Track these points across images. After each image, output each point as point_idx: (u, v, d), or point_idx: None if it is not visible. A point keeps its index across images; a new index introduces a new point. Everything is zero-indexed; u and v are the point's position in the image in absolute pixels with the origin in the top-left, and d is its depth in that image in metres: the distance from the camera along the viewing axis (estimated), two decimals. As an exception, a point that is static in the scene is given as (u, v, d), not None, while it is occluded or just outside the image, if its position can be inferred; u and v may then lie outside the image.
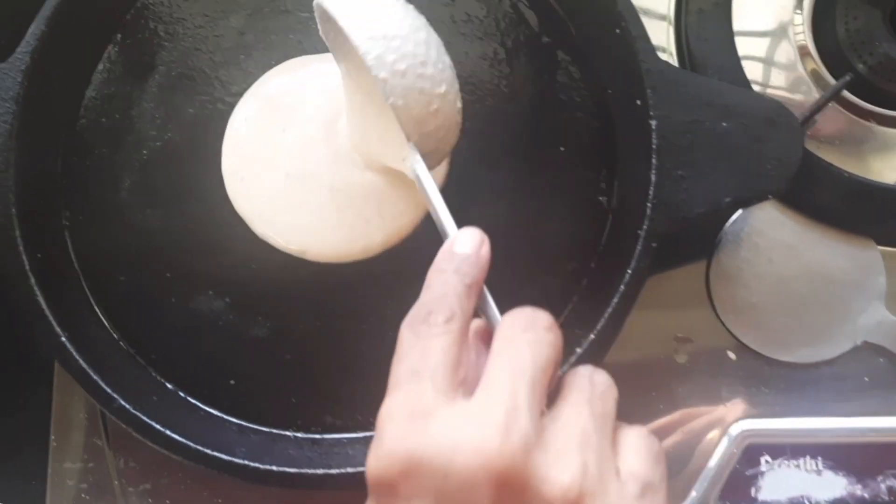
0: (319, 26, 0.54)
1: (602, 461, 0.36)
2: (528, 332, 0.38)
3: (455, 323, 0.38)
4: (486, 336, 0.42)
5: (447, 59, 0.51)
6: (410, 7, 0.51)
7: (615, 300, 0.56)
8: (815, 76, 0.66)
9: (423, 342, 0.38)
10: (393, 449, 0.35)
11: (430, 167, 0.51)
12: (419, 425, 0.35)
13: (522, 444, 0.34)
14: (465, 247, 0.42)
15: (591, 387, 0.38)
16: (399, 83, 0.48)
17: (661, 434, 0.63)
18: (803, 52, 0.67)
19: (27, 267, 0.57)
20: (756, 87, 0.66)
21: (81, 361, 0.56)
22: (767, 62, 0.67)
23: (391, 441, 0.35)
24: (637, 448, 0.38)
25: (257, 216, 0.60)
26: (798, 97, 0.67)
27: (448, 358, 0.37)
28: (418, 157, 0.50)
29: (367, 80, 0.50)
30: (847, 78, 0.63)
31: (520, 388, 0.35)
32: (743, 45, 0.67)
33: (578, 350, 0.56)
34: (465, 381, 0.38)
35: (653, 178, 0.57)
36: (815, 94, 0.66)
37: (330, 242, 0.59)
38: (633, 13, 0.58)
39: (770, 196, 0.57)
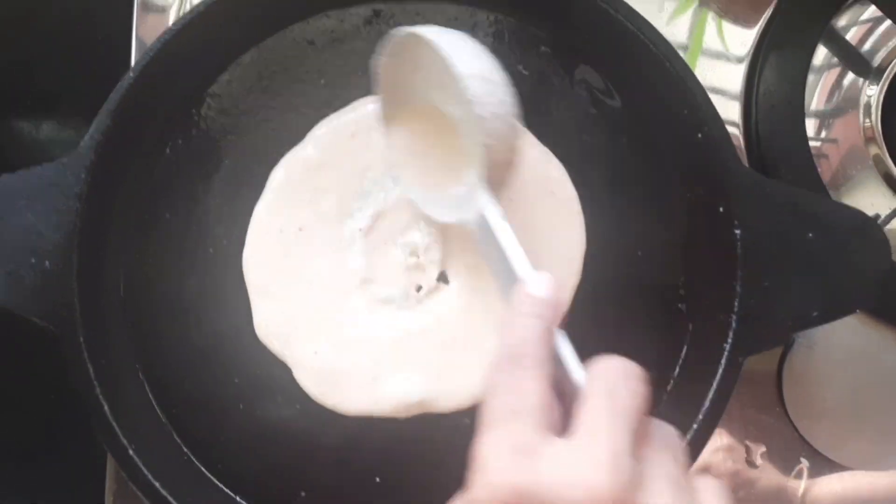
0: (381, 60, 0.54)
1: (690, 500, 0.37)
2: (626, 380, 0.39)
3: (545, 366, 0.40)
4: (556, 385, 0.42)
5: (516, 114, 0.51)
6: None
7: (700, 418, 0.55)
8: (883, 170, 0.66)
9: (518, 383, 0.39)
10: (501, 481, 0.36)
11: None
12: (525, 461, 0.36)
13: (627, 481, 0.35)
14: (543, 290, 0.43)
15: (668, 434, 0.40)
16: (491, 126, 0.48)
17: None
18: (872, 146, 0.66)
19: (92, 375, 0.55)
20: (825, 183, 0.65)
21: (150, 476, 0.55)
22: (835, 158, 0.67)
23: (497, 473, 0.37)
24: (713, 491, 0.39)
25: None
26: (867, 194, 0.66)
27: (544, 399, 0.39)
28: (490, 197, 0.50)
29: (434, 112, 0.53)
30: (926, 183, 0.63)
31: (620, 430, 0.37)
32: (811, 140, 0.66)
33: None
34: (551, 425, 0.39)
35: (738, 289, 0.56)
36: (883, 190, 0.66)
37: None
38: (717, 118, 0.58)
39: (858, 310, 0.56)
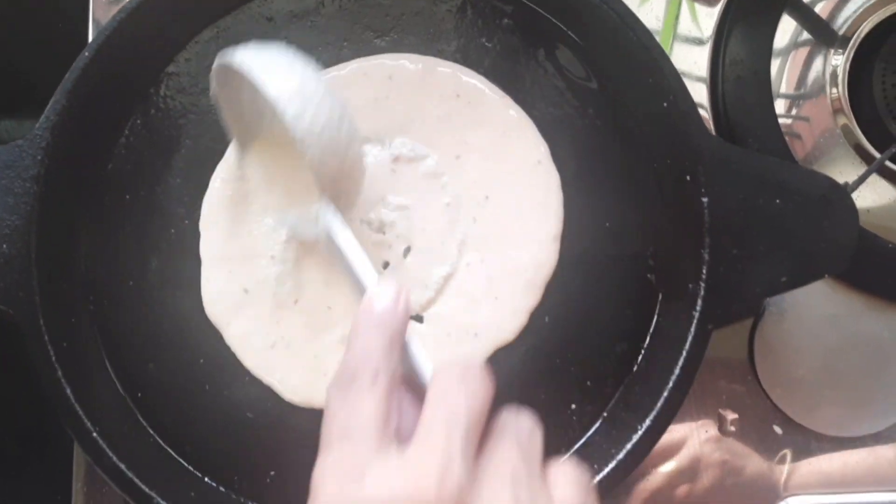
0: (212, 88, 0.53)
1: (534, 494, 0.37)
2: (462, 382, 0.39)
3: (381, 379, 0.39)
4: (414, 384, 0.42)
5: (353, 120, 0.50)
6: (314, 68, 0.50)
7: (670, 386, 0.55)
8: (853, 141, 0.66)
9: (351, 402, 0.38)
10: None
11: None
12: (354, 482, 0.36)
13: (457, 489, 0.35)
14: (385, 301, 0.42)
15: (517, 428, 0.39)
16: (316, 142, 0.48)
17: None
18: (840, 116, 0.66)
19: (53, 358, 0.54)
20: (795, 155, 0.65)
21: (115, 458, 0.54)
22: (804, 128, 0.66)
23: (328, 497, 0.36)
24: (566, 480, 0.39)
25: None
26: (835, 163, 0.66)
27: (377, 414, 0.38)
28: (332, 211, 0.50)
29: (273, 140, 0.53)
30: (893, 150, 0.63)
31: (454, 437, 0.36)
32: (779, 111, 0.66)
33: (633, 437, 0.54)
34: (399, 433, 0.38)
35: (706, 257, 0.56)
36: (853, 159, 0.66)
37: None
38: (682, 87, 0.57)
39: (826, 276, 0.55)
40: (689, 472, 0.62)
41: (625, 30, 0.58)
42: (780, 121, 0.65)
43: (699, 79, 0.67)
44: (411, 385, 0.42)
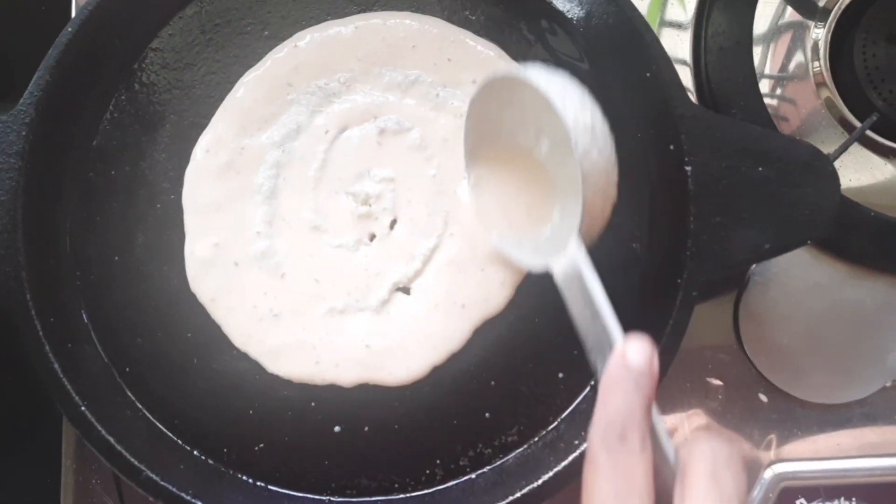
0: (475, 94, 0.54)
1: None
2: (728, 464, 0.37)
3: (648, 445, 0.37)
4: None
5: (616, 165, 0.51)
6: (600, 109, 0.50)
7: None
8: (836, 113, 0.66)
9: (624, 464, 0.37)
10: None
11: None
12: None
13: None
14: (640, 359, 0.39)
15: None
16: (591, 180, 0.48)
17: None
18: (822, 89, 0.66)
19: (41, 333, 0.54)
20: (778, 128, 0.65)
21: (104, 431, 0.54)
22: (787, 101, 0.67)
23: None
24: None
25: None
26: (819, 134, 0.66)
27: (650, 483, 0.36)
28: (583, 251, 0.49)
29: (523, 155, 0.53)
30: (873, 118, 0.63)
31: None
32: (762, 85, 0.66)
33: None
34: None
35: (691, 226, 0.56)
36: (836, 130, 0.66)
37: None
38: (665, 56, 0.57)
39: (809, 242, 0.56)
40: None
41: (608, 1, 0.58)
42: (762, 90, 0.65)
43: (682, 62, 0.67)
44: None
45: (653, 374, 0.39)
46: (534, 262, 0.54)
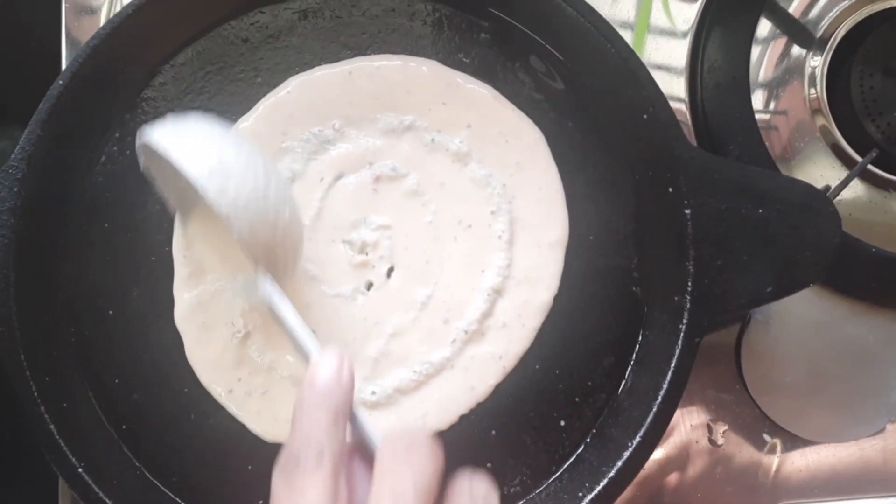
0: (141, 163, 0.53)
1: None
2: (408, 456, 0.38)
3: (326, 460, 0.38)
4: (366, 453, 0.42)
5: (283, 184, 0.50)
6: (238, 137, 0.51)
7: (658, 401, 0.55)
8: (834, 146, 0.66)
9: (297, 490, 0.37)
10: None
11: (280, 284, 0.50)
12: None
13: None
14: (326, 376, 0.40)
15: (472, 494, 0.39)
16: (243, 215, 0.47)
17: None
18: (820, 120, 0.66)
19: (35, 393, 0.54)
20: (774, 158, 0.65)
21: (101, 493, 0.53)
22: (784, 132, 0.66)
23: None
24: None
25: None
26: (817, 167, 0.66)
27: (323, 498, 0.37)
28: (268, 282, 0.49)
29: (206, 211, 0.52)
30: (873, 154, 0.63)
31: None
32: (758, 115, 0.66)
33: (625, 454, 0.54)
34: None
35: (691, 269, 0.55)
36: (834, 163, 0.66)
37: None
38: (662, 98, 0.57)
39: (811, 284, 0.55)
40: (682, 483, 0.62)
41: (602, 42, 0.58)
42: (759, 122, 0.65)
43: (678, 72, 0.67)
44: (364, 454, 0.42)
45: (337, 385, 0.40)
46: (255, 301, 0.54)
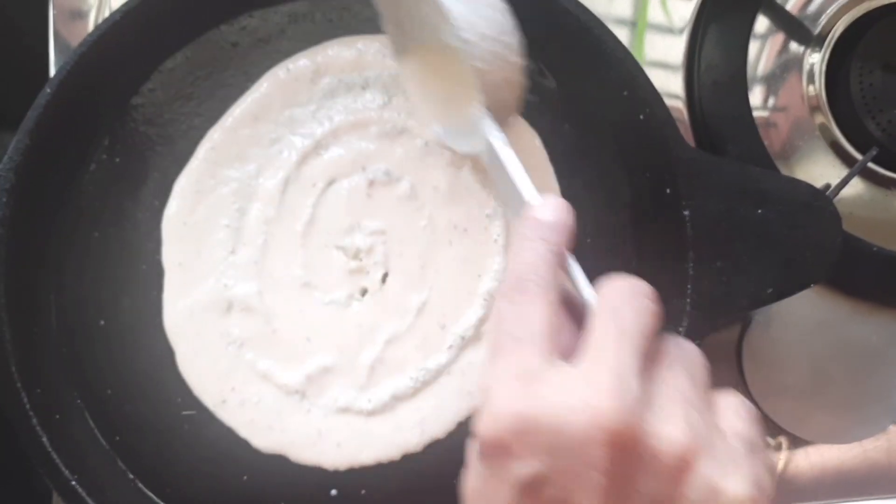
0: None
1: (708, 421, 0.36)
2: (632, 300, 0.38)
3: (548, 290, 0.39)
4: (570, 306, 0.42)
5: (515, 27, 0.50)
6: None
7: (660, 403, 0.54)
8: (833, 143, 0.65)
9: (520, 308, 0.38)
10: (505, 410, 0.35)
11: None
12: (529, 387, 0.36)
13: (633, 403, 0.35)
14: (551, 214, 0.42)
15: (686, 355, 0.39)
16: (484, 47, 0.47)
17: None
18: (819, 118, 0.65)
19: (27, 405, 0.53)
20: (773, 157, 0.64)
21: (94, 505, 0.52)
22: (783, 130, 0.66)
23: (502, 402, 0.36)
24: (736, 410, 0.38)
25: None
26: (817, 165, 0.65)
27: (547, 323, 0.38)
28: (492, 123, 0.50)
29: (437, 45, 0.52)
30: (873, 152, 0.62)
31: (626, 351, 0.36)
32: (757, 114, 0.65)
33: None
34: (561, 348, 0.38)
35: (690, 271, 0.55)
36: (833, 160, 0.65)
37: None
38: (658, 98, 0.56)
39: (812, 285, 0.54)
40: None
41: (598, 43, 0.57)
42: (758, 120, 0.64)
43: (674, 69, 0.66)
44: (567, 306, 0.41)
45: (561, 226, 0.42)
46: (468, 147, 0.54)
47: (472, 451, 0.38)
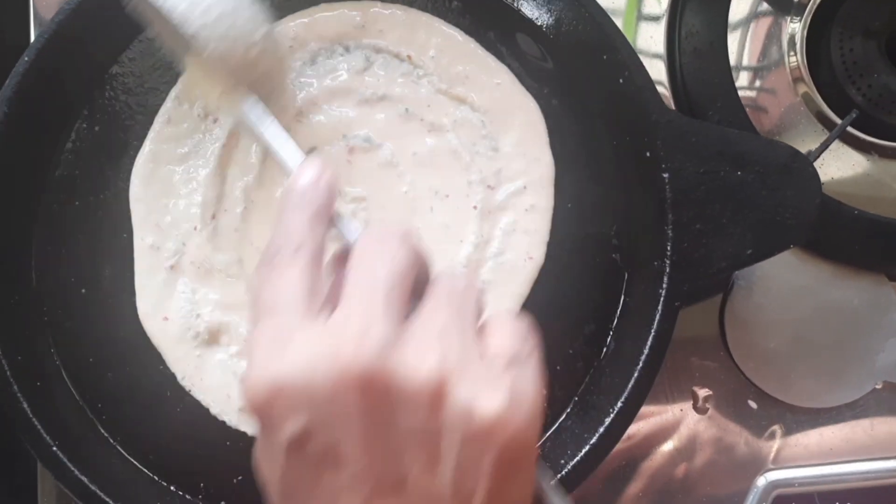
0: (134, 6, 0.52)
1: (464, 347, 0.37)
2: (381, 245, 0.39)
3: (303, 252, 0.39)
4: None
5: (255, 5, 0.49)
6: None
7: (640, 366, 0.54)
8: (814, 109, 0.65)
9: (275, 275, 0.39)
10: (258, 375, 0.36)
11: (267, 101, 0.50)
12: (279, 350, 0.36)
13: (378, 346, 0.35)
14: (306, 178, 0.42)
15: (450, 285, 0.39)
16: (213, 34, 0.47)
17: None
18: (800, 84, 0.65)
19: (8, 372, 0.53)
20: (757, 126, 0.64)
21: (77, 472, 0.53)
22: (765, 99, 0.66)
23: (255, 369, 0.36)
24: (501, 330, 0.39)
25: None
26: (798, 131, 0.65)
27: (301, 284, 0.38)
28: (249, 101, 0.49)
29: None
30: (853, 115, 0.62)
31: (375, 298, 0.36)
32: (739, 83, 0.65)
33: (606, 420, 0.54)
34: (327, 306, 0.38)
35: (670, 233, 0.55)
36: (815, 127, 0.65)
37: None
38: (637, 62, 0.56)
39: (791, 246, 0.55)
40: (666, 453, 0.62)
41: (577, 6, 0.57)
42: (741, 93, 0.64)
43: (656, 55, 0.66)
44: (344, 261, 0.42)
45: (320, 187, 0.42)
46: (243, 127, 0.55)
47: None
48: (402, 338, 0.36)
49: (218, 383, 0.56)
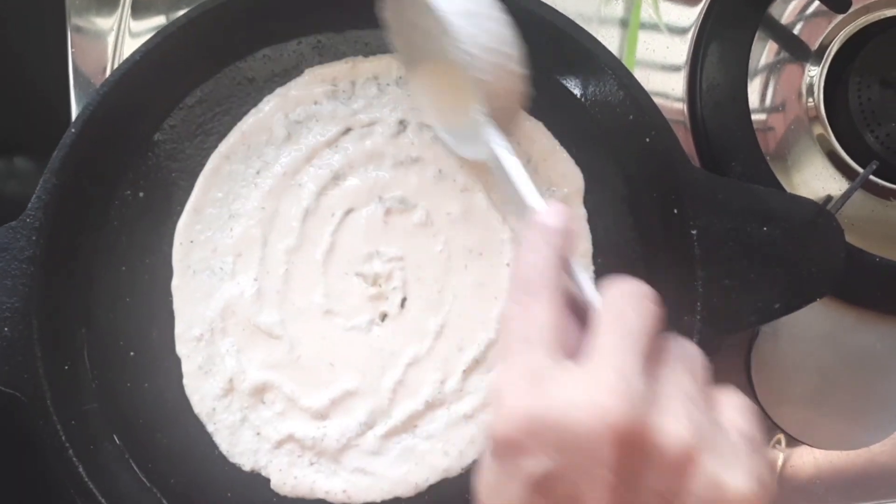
0: (384, 7, 0.56)
1: (709, 417, 0.38)
2: (635, 301, 0.40)
3: (555, 292, 0.41)
4: (573, 309, 0.43)
5: (515, 38, 0.52)
6: None
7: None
8: (833, 156, 0.67)
9: (527, 311, 0.40)
10: (515, 409, 0.37)
11: None
12: (538, 386, 0.37)
13: (638, 401, 0.36)
14: (554, 220, 0.44)
15: (686, 354, 0.41)
16: (486, 59, 0.50)
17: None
18: (818, 131, 0.67)
19: (63, 437, 0.55)
20: (776, 172, 0.65)
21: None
22: (783, 146, 0.67)
23: (512, 402, 0.37)
24: (737, 406, 0.40)
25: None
26: (817, 178, 0.67)
27: (553, 324, 0.40)
28: (495, 131, 0.52)
29: (441, 58, 0.54)
30: (874, 166, 0.63)
31: (630, 351, 0.37)
32: (757, 126, 0.66)
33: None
34: (567, 349, 0.39)
35: (700, 289, 0.56)
36: (833, 174, 0.67)
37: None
38: (663, 121, 0.58)
39: (818, 299, 0.56)
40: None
41: (604, 68, 0.59)
42: (758, 132, 0.66)
43: (677, 100, 0.68)
44: (571, 308, 0.43)
45: (564, 230, 0.43)
46: (471, 154, 0.57)
47: (486, 450, 0.39)
48: (658, 398, 0.37)
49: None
